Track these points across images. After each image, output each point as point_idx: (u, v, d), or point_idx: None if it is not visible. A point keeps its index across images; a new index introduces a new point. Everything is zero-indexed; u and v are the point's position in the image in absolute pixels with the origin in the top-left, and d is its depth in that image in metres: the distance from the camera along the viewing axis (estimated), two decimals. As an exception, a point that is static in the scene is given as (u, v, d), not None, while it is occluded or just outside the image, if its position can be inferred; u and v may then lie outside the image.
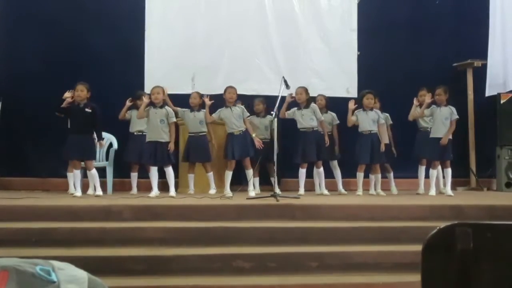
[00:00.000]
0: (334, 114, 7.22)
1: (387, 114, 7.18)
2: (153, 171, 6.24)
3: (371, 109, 6.81)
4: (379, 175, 6.86)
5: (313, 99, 7.00)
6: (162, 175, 6.33)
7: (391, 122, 7.21)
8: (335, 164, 7.13)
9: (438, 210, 5.04)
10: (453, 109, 6.67)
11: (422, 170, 6.99)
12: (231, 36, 7.77)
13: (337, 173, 7.11)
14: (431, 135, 6.73)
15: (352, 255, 4.30)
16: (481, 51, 8.12)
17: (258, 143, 6.57)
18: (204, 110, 6.64)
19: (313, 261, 4.19)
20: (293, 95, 6.52)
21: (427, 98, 6.68)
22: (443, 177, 6.83)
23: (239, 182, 6.91)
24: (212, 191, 6.53)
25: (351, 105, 6.80)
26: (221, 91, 6.83)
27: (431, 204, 5.32)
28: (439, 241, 1.27)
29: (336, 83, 7.86)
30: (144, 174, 6.68)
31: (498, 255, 1.26)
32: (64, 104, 6.19)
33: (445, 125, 6.62)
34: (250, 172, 6.57)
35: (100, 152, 6.87)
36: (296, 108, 6.79)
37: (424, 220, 4.70)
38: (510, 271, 1.25)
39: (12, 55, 7.45)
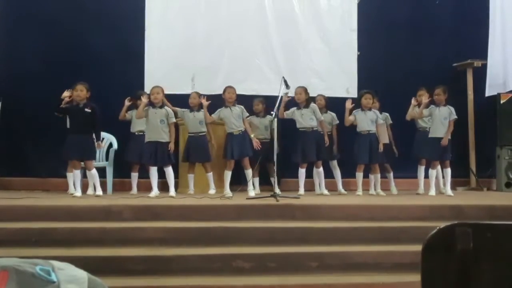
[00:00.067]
0: (334, 114, 7.22)
1: (387, 114, 7.19)
2: (153, 171, 6.24)
3: (370, 109, 6.81)
4: (379, 175, 6.86)
5: (313, 99, 7.00)
6: (162, 175, 6.33)
7: (391, 121, 7.22)
8: (334, 164, 7.13)
9: (438, 210, 5.04)
10: (452, 109, 6.67)
11: (421, 170, 6.99)
12: (231, 36, 7.77)
13: (337, 173, 7.11)
14: (430, 135, 6.73)
15: (352, 255, 4.30)
16: (481, 51, 8.12)
17: (256, 144, 6.58)
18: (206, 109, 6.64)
19: (313, 261, 4.19)
20: (289, 94, 6.46)
21: (424, 98, 6.68)
22: (443, 177, 6.83)
23: (239, 182, 6.91)
24: (212, 191, 6.53)
25: (348, 104, 6.81)
26: (221, 91, 6.84)
27: (431, 204, 5.32)
28: (439, 241, 1.27)
29: (336, 83, 7.86)
30: (144, 174, 6.68)
31: (498, 255, 1.26)
32: (63, 104, 6.19)
33: (444, 125, 6.62)
34: (249, 172, 6.57)
35: (100, 152, 6.86)
36: (295, 108, 6.79)
37: (424, 220, 4.70)
38: (510, 271, 1.25)
39: (12, 55, 7.45)
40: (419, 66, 7.94)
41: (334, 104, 7.27)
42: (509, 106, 7.71)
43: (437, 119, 6.67)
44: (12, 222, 4.55)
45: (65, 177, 6.52)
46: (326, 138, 6.84)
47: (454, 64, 8.22)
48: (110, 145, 7.08)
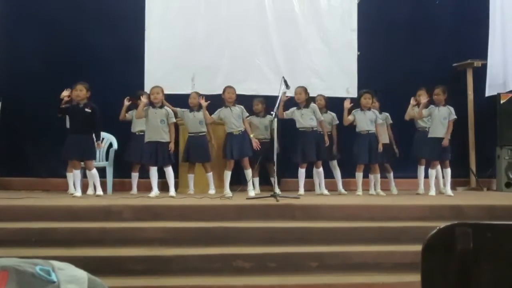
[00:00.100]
0: (334, 114, 7.21)
1: (387, 114, 7.19)
2: (153, 171, 6.24)
3: (369, 109, 6.81)
4: (378, 175, 6.86)
5: (313, 99, 6.99)
6: (162, 175, 6.34)
7: (391, 121, 7.22)
8: (334, 164, 7.13)
9: (438, 210, 5.04)
10: (452, 109, 6.67)
11: (421, 170, 6.99)
12: (231, 36, 7.77)
13: (337, 173, 7.11)
14: (430, 135, 6.73)
15: (352, 255, 4.30)
16: (481, 51, 8.12)
17: (255, 144, 6.57)
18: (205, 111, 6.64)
19: (313, 261, 4.19)
20: (287, 93, 6.41)
21: (423, 98, 6.68)
22: (443, 177, 6.83)
23: (239, 182, 6.91)
24: (212, 191, 6.53)
25: (347, 104, 6.81)
26: (221, 91, 6.84)
27: (431, 204, 5.32)
28: (439, 241, 1.27)
29: (336, 83, 7.86)
30: (144, 174, 6.68)
31: (498, 255, 1.26)
32: (63, 103, 6.19)
33: (443, 125, 6.62)
34: (249, 172, 6.57)
35: (100, 152, 6.86)
36: (295, 107, 6.79)
37: (424, 220, 4.70)
38: (510, 271, 1.25)
39: (12, 55, 7.45)
40: (419, 66, 7.93)
41: (334, 104, 7.27)
42: (509, 106, 7.71)
43: (436, 119, 6.67)
44: (12, 222, 4.55)
45: (65, 177, 6.51)
46: (326, 138, 6.84)
47: (454, 64, 8.22)
48: (110, 145, 7.08)
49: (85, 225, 4.52)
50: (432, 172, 6.71)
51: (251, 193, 6.25)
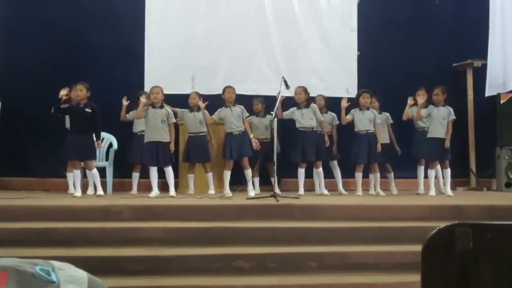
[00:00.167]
0: (334, 115, 7.21)
1: (388, 114, 7.19)
2: (153, 171, 6.24)
3: (368, 108, 6.81)
4: (378, 174, 6.85)
5: (313, 99, 6.99)
6: (162, 175, 6.34)
7: (391, 121, 7.21)
8: (335, 164, 7.13)
9: (438, 210, 5.04)
10: (451, 109, 6.67)
11: (421, 170, 6.99)
12: (231, 36, 7.77)
13: (337, 173, 7.10)
14: (429, 135, 6.72)
15: (352, 255, 4.30)
16: (481, 51, 8.11)
17: (255, 144, 6.57)
18: (205, 111, 6.64)
19: (313, 261, 4.19)
20: (282, 93, 6.27)
21: (420, 99, 6.67)
22: (443, 177, 6.83)
23: (239, 182, 6.91)
24: (211, 191, 6.54)
25: (344, 103, 6.82)
26: (221, 91, 6.84)
27: (431, 204, 5.32)
28: (439, 241, 1.27)
29: (336, 83, 7.85)
30: (144, 174, 6.68)
31: (498, 255, 1.26)
32: (62, 103, 6.19)
33: (442, 125, 6.62)
34: (249, 172, 6.57)
35: (100, 152, 6.86)
36: (295, 107, 6.78)
37: (424, 220, 4.70)
38: (510, 271, 1.25)
39: (12, 55, 7.45)
40: (419, 66, 7.93)
41: (334, 104, 7.27)
42: (509, 106, 7.71)
43: (435, 120, 6.67)
44: (12, 222, 4.56)
45: (65, 177, 6.51)
46: (326, 139, 6.83)
47: (454, 64, 8.22)
48: (110, 145, 7.08)
49: (85, 225, 4.52)
50: (431, 172, 6.71)
51: (251, 193, 6.25)
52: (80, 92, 6.19)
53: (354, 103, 6.91)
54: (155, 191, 6.13)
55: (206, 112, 6.67)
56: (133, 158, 6.81)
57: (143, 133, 6.63)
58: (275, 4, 7.93)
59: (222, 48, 7.75)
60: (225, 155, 6.68)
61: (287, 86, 6.02)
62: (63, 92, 6.12)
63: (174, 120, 6.47)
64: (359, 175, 6.80)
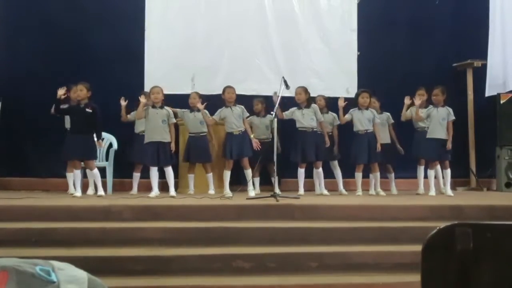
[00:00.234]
0: (335, 115, 7.20)
1: (388, 114, 7.18)
2: (154, 171, 6.24)
3: (367, 108, 6.81)
4: (378, 174, 6.85)
5: (313, 100, 6.99)
6: (161, 175, 6.34)
7: (392, 121, 7.20)
8: (335, 164, 7.12)
9: (438, 210, 5.04)
10: (450, 110, 6.68)
11: (420, 170, 6.99)
12: (231, 36, 7.77)
13: (338, 173, 7.10)
14: (428, 136, 6.71)
15: (352, 255, 4.30)
16: (481, 51, 8.12)
17: (255, 144, 6.57)
18: (205, 110, 6.64)
19: (313, 261, 4.19)
20: (278, 93, 6.18)
21: (417, 100, 6.67)
22: (443, 177, 6.83)
23: (239, 182, 6.91)
24: (211, 191, 6.54)
25: (341, 102, 6.82)
26: (221, 91, 6.83)
27: (431, 204, 5.32)
28: (439, 241, 1.27)
29: (336, 83, 7.85)
30: (144, 174, 6.68)
31: (498, 255, 1.26)
32: (61, 103, 6.19)
33: (442, 125, 6.62)
34: (249, 172, 6.57)
35: (100, 152, 6.85)
36: (295, 108, 6.78)
37: (424, 220, 4.70)
38: (510, 271, 1.25)
39: (12, 55, 7.45)
40: (419, 66, 7.94)
41: (335, 104, 7.25)
42: (509, 106, 7.71)
43: (435, 120, 6.67)
44: (12, 222, 4.55)
45: (65, 177, 6.51)
46: (327, 139, 6.82)
47: (454, 64, 8.22)
48: (110, 145, 7.07)
49: (85, 225, 4.52)
50: (431, 173, 6.71)
51: (251, 193, 6.25)
52: (81, 92, 6.19)
53: (353, 103, 6.91)
54: (155, 191, 6.13)
55: (206, 112, 6.66)
56: (134, 158, 6.80)
57: (144, 134, 6.62)
58: (275, 4, 7.93)
59: (222, 48, 7.75)
60: (225, 155, 6.68)
61: (287, 86, 6.01)
62: (61, 92, 6.10)
63: (174, 120, 6.47)
64: (359, 175, 6.80)
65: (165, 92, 6.43)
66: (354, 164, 6.80)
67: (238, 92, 6.87)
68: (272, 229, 4.57)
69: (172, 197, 5.94)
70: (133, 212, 4.82)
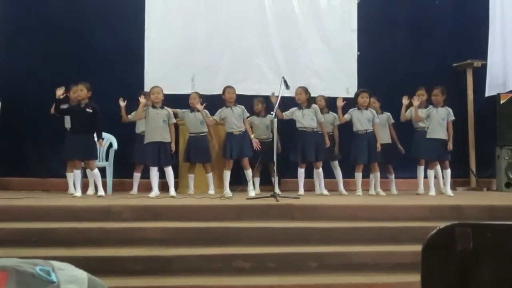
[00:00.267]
0: (335, 115, 7.18)
1: (389, 114, 7.18)
2: (154, 172, 6.24)
3: (366, 108, 6.81)
4: (378, 174, 6.85)
5: (313, 100, 6.98)
6: (161, 175, 6.34)
7: (393, 121, 7.20)
8: (336, 164, 7.12)
9: (438, 210, 5.04)
10: (450, 110, 6.68)
11: (420, 170, 6.99)
12: (231, 37, 7.77)
13: (338, 173, 7.10)
14: (428, 136, 6.71)
15: (352, 255, 4.30)
16: (481, 51, 8.12)
17: (256, 145, 6.56)
18: (205, 111, 6.64)
19: (313, 261, 4.19)
20: (278, 93, 6.15)
21: (415, 101, 6.66)
22: (443, 177, 6.83)
23: (239, 182, 6.91)
24: (211, 191, 6.54)
25: (339, 102, 6.82)
26: (221, 91, 6.84)
27: (431, 204, 5.32)
28: (439, 241, 1.27)
29: (336, 83, 7.85)
30: (144, 174, 6.68)
31: (498, 255, 1.26)
32: (61, 104, 6.19)
33: (442, 126, 6.62)
34: (249, 172, 6.57)
35: (100, 152, 6.85)
36: (296, 108, 6.78)
37: (424, 220, 4.70)
38: (510, 271, 1.25)
39: (12, 55, 7.45)
40: (419, 66, 7.94)
41: (335, 104, 7.25)
42: (509, 106, 7.71)
43: (435, 120, 6.67)
44: (12, 222, 4.55)
45: (65, 177, 6.51)
46: (327, 139, 6.82)
47: (454, 64, 8.22)
48: (110, 145, 7.07)
49: (85, 225, 4.52)
50: (430, 173, 6.71)
51: (252, 193, 6.24)
52: (81, 92, 6.18)
53: (353, 102, 6.91)
54: (155, 191, 6.13)
55: (207, 112, 6.66)
56: (136, 158, 6.78)
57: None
58: (275, 4, 7.93)
59: (222, 48, 7.75)
60: (225, 155, 6.67)
61: (287, 86, 6.01)
62: (59, 92, 6.08)
63: (175, 121, 6.48)
64: (358, 175, 6.80)
65: (165, 92, 6.43)
66: (354, 164, 6.80)
67: (238, 92, 6.88)
68: (272, 229, 4.57)
69: (172, 197, 5.95)
70: (133, 212, 4.82)
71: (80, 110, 6.22)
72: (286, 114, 6.72)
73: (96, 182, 6.29)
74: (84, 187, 6.42)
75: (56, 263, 0.98)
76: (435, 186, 6.74)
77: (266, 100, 7.14)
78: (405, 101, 6.88)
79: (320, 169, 6.83)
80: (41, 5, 7.45)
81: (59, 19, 7.41)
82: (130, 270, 3.97)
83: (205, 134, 6.74)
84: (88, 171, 6.36)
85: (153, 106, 6.30)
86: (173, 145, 6.29)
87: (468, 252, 1.25)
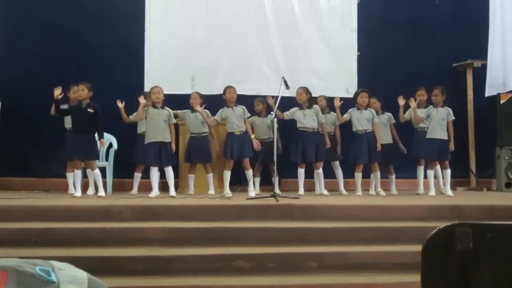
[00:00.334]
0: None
1: (390, 114, 7.17)
2: (154, 172, 6.24)
3: (366, 108, 6.81)
4: (378, 173, 6.85)
5: (314, 100, 6.98)
6: (161, 175, 6.33)
7: (394, 121, 7.20)
8: (337, 164, 7.12)
9: (438, 210, 5.04)
10: (450, 110, 6.68)
11: (420, 170, 6.99)
12: (231, 37, 7.77)
13: (339, 173, 7.10)
14: (428, 136, 6.71)
15: (352, 255, 4.30)
16: (481, 51, 8.12)
17: (256, 145, 6.56)
18: (206, 111, 6.64)
19: (313, 261, 4.19)
20: (275, 94, 6.17)
21: (412, 103, 6.66)
22: (443, 177, 6.83)
23: (239, 182, 6.91)
24: (211, 192, 6.54)
25: (337, 102, 6.82)
26: (221, 92, 6.84)
27: (431, 204, 5.32)
28: (439, 241, 1.27)
29: (336, 83, 7.85)
30: (144, 174, 6.67)
31: (498, 255, 1.26)
32: (60, 104, 6.19)
33: (442, 126, 6.62)
34: (250, 173, 6.57)
35: (100, 152, 6.85)
36: (297, 108, 6.77)
37: (424, 220, 4.70)
38: (510, 271, 1.25)
39: (12, 55, 7.45)
40: (419, 66, 7.94)
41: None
42: (509, 106, 7.71)
43: (435, 120, 6.67)
44: (12, 222, 4.55)
45: (65, 177, 6.51)
46: (327, 140, 6.81)
47: (454, 64, 8.23)
48: (110, 145, 7.07)
49: (85, 225, 4.52)
50: (430, 173, 6.71)
51: (252, 193, 6.24)
52: (82, 92, 6.17)
53: (352, 102, 6.91)
54: (155, 191, 6.13)
55: (208, 113, 6.65)
56: (137, 159, 6.77)
57: (147, 134, 6.60)
58: (275, 4, 7.93)
59: (222, 49, 7.75)
60: (226, 155, 6.67)
61: (287, 86, 6.01)
62: (57, 92, 6.07)
63: (175, 121, 6.49)
64: (358, 175, 6.80)
65: (165, 92, 6.43)
66: (354, 164, 6.80)
67: (239, 92, 6.87)
68: (272, 229, 4.57)
69: (172, 197, 5.95)
70: (133, 212, 4.82)
71: (81, 110, 6.22)
72: (287, 114, 6.72)
73: (97, 182, 6.28)
74: (84, 187, 6.41)
75: (56, 263, 0.98)
76: (435, 186, 6.74)
77: (267, 100, 7.13)
78: (401, 101, 6.88)
79: (320, 170, 6.82)
80: (41, 5, 7.45)
81: (59, 19, 7.42)
82: (130, 270, 3.97)
83: (206, 134, 6.75)
84: (88, 171, 6.35)
85: (154, 106, 6.30)
86: (173, 145, 6.30)
87: (468, 252, 1.24)
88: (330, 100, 7.27)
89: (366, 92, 6.85)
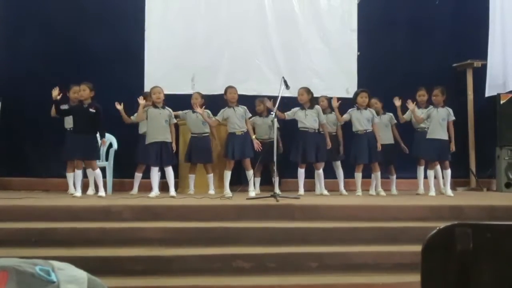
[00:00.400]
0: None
1: (391, 114, 7.17)
2: (155, 172, 6.24)
3: (366, 108, 6.81)
4: (379, 173, 6.85)
5: (316, 100, 6.98)
6: (162, 175, 6.34)
7: (395, 121, 7.19)
8: (338, 164, 7.12)
9: (438, 211, 5.04)
10: (450, 110, 6.68)
11: (420, 170, 6.99)
12: (231, 37, 7.77)
13: (340, 173, 7.09)
14: (428, 136, 6.72)
15: (352, 255, 4.30)
16: (481, 52, 8.12)
17: (257, 146, 6.55)
18: (207, 111, 6.63)
19: (313, 261, 4.19)
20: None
21: (410, 105, 6.66)
22: (443, 177, 6.83)
23: (239, 182, 6.91)
24: (211, 192, 6.54)
25: (335, 103, 6.82)
26: (221, 92, 6.84)
27: (431, 204, 5.32)
28: (439, 242, 1.27)
29: (336, 83, 7.85)
30: (144, 174, 6.67)
31: (498, 255, 1.26)
32: (60, 105, 6.19)
33: (442, 126, 6.62)
34: (250, 173, 6.57)
35: (100, 152, 6.85)
36: (298, 108, 6.77)
37: (424, 221, 4.70)
38: (510, 271, 1.25)
39: (12, 55, 7.45)
40: (419, 66, 7.94)
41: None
42: (509, 107, 7.71)
43: (435, 120, 6.67)
44: (12, 222, 4.55)
45: (65, 177, 6.51)
46: (328, 141, 6.80)
47: (454, 65, 8.22)
48: (110, 145, 7.07)
49: (85, 225, 4.52)
50: (430, 173, 6.71)
51: (252, 193, 6.24)
52: (84, 92, 6.17)
53: (352, 102, 6.91)
54: (155, 191, 6.13)
55: (209, 113, 6.65)
56: (139, 159, 6.75)
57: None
58: (275, 4, 7.93)
59: (222, 49, 7.75)
60: (227, 155, 6.67)
61: (287, 86, 6.01)
62: (55, 93, 6.07)
63: (175, 121, 6.49)
64: (358, 175, 6.80)
65: (165, 92, 6.43)
66: (354, 164, 6.80)
67: (239, 92, 6.86)
68: (272, 229, 4.57)
69: (172, 197, 5.95)
70: (133, 212, 4.82)
71: (83, 110, 6.21)
72: (288, 114, 6.71)
73: (98, 182, 6.28)
74: (84, 187, 6.41)
75: (56, 263, 0.98)
76: (435, 186, 6.74)
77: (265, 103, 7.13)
78: (397, 102, 6.89)
79: (321, 170, 6.82)
80: (41, 5, 7.45)
81: (59, 19, 7.42)
82: (130, 270, 3.97)
83: (207, 134, 6.75)
84: (89, 171, 6.35)
85: (155, 106, 6.30)
86: (173, 145, 6.31)
87: (468, 252, 1.25)
88: (331, 100, 7.28)
89: (366, 92, 6.85)
